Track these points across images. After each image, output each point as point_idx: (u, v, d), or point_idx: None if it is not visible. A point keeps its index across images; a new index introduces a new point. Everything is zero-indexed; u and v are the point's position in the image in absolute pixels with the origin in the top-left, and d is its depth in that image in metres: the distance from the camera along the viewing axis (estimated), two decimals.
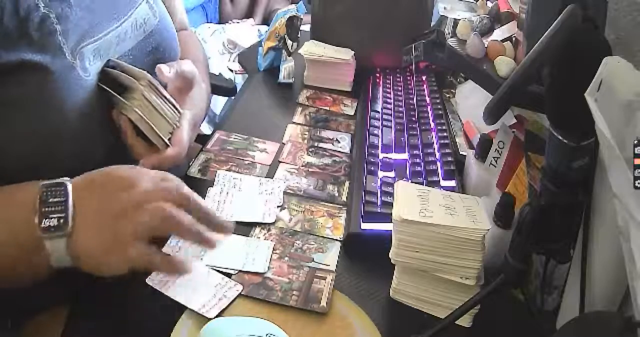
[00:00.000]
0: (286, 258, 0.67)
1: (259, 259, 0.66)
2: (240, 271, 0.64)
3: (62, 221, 0.52)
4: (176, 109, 0.71)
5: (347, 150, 0.91)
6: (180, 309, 0.59)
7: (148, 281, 0.60)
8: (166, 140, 0.68)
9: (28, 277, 0.56)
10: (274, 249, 0.68)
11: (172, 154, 0.68)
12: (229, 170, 0.82)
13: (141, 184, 0.54)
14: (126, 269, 0.53)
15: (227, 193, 0.77)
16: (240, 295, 0.61)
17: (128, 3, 0.71)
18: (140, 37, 0.73)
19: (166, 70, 0.69)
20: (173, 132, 0.69)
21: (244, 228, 0.71)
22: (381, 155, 0.86)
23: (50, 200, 0.53)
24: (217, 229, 0.56)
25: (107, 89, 0.65)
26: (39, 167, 0.59)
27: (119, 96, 0.65)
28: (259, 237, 0.70)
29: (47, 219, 0.52)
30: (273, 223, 0.73)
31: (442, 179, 0.80)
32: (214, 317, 0.58)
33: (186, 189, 0.56)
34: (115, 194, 0.54)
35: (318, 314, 0.60)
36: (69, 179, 0.55)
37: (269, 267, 0.65)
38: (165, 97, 0.69)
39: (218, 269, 0.64)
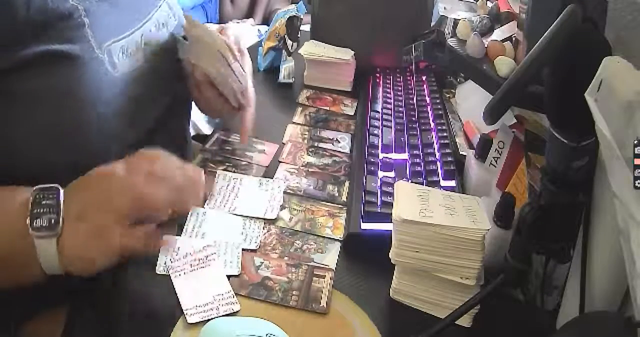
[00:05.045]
0: (285, 258, 0.67)
1: (251, 236, 0.70)
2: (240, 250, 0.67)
3: (52, 221, 0.54)
4: (241, 67, 0.80)
5: (347, 150, 0.91)
6: (180, 309, 0.59)
7: (158, 267, 0.60)
8: (239, 98, 0.78)
9: (19, 282, 0.57)
10: (273, 249, 0.69)
11: (252, 111, 0.82)
12: (225, 170, 0.82)
13: (117, 171, 0.57)
14: (113, 261, 0.55)
15: (233, 188, 0.78)
16: (239, 294, 0.61)
17: (151, 4, 0.72)
18: (165, 37, 0.74)
19: (228, 35, 0.80)
20: (243, 91, 0.79)
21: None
22: (381, 155, 0.86)
23: (43, 202, 0.55)
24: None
25: (186, 41, 0.74)
26: (55, 163, 0.60)
27: (195, 50, 0.74)
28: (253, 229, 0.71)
29: (38, 219, 0.53)
30: (274, 221, 0.73)
31: (442, 179, 0.80)
32: (192, 323, 0.57)
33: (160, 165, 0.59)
34: (97, 186, 0.56)
35: (318, 313, 0.60)
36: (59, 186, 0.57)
37: (260, 241, 0.69)
38: (234, 56, 0.78)
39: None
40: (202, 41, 0.74)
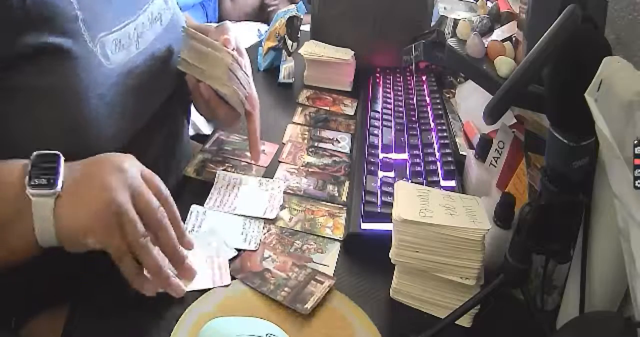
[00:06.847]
0: (294, 259, 0.67)
1: (251, 236, 0.70)
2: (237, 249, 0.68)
3: (51, 180, 0.53)
4: (245, 73, 0.78)
5: (347, 150, 0.91)
6: (180, 308, 0.59)
7: None
8: (245, 103, 0.77)
9: (7, 250, 0.55)
10: (273, 249, 0.69)
11: (257, 115, 0.80)
12: (225, 170, 0.82)
13: (128, 170, 0.56)
14: (90, 248, 0.54)
15: (233, 188, 0.78)
16: (234, 277, 0.63)
17: None
18: (159, 31, 0.74)
19: (232, 43, 0.76)
20: (246, 94, 0.77)
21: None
22: (381, 155, 0.86)
23: (42, 165, 0.54)
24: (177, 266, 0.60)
25: (190, 62, 0.72)
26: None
27: (202, 68, 0.72)
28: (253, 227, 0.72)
29: (36, 179, 0.53)
30: (274, 221, 0.73)
31: (442, 179, 0.80)
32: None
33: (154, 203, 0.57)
34: (104, 174, 0.55)
35: (318, 314, 0.60)
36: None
37: (260, 240, 0.70)
38: (239, 64, 0.76)
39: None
40: (208, 56, 0.72)
